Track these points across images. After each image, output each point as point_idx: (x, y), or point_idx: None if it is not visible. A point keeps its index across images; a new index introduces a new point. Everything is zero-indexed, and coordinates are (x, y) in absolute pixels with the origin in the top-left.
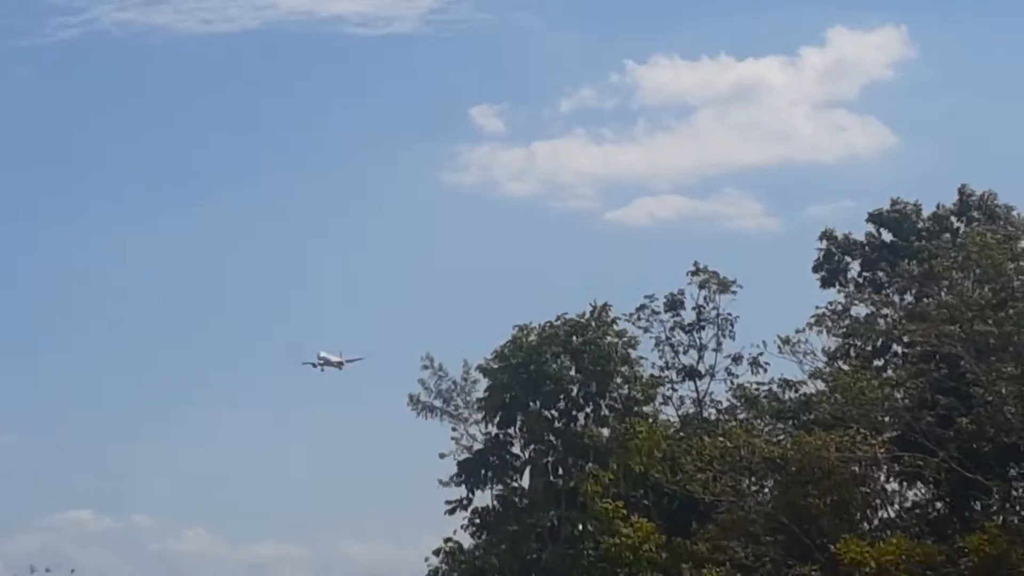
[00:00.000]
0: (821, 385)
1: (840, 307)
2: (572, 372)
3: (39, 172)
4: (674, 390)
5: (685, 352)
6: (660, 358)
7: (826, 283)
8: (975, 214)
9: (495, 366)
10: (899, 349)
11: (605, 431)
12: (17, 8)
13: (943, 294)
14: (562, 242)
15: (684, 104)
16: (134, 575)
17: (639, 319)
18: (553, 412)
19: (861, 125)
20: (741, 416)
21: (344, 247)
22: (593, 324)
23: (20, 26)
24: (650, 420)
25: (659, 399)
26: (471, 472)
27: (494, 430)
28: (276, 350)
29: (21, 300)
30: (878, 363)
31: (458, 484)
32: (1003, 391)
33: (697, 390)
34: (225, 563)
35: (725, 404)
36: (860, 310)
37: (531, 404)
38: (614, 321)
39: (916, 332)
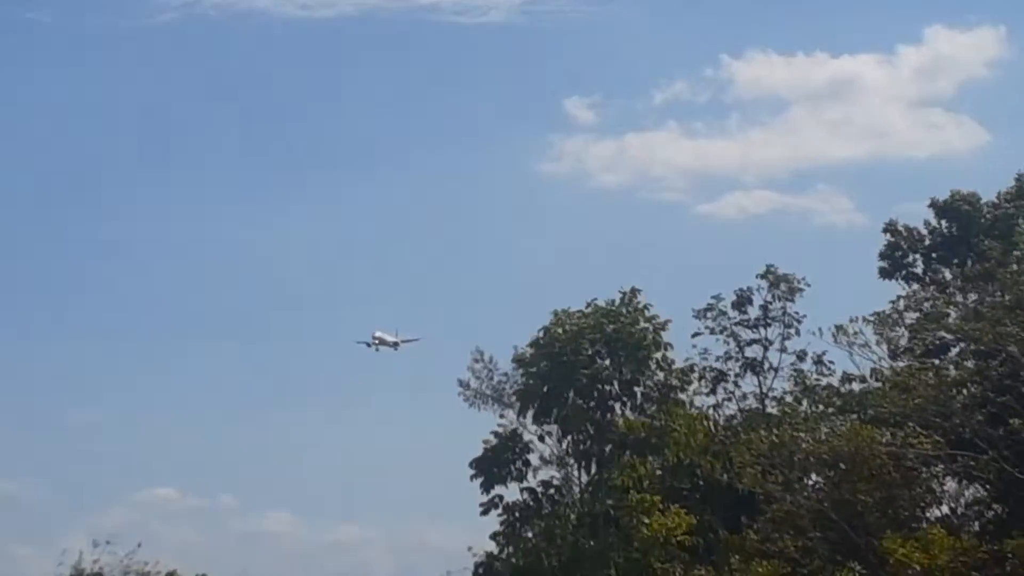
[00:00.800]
0: (877, 383)
1: (903, 305)
2: (607, 361)
3: (139, 155)
4: (737, 385)
5: (749, 346)
6: (724, 351)
7: (885, 274)
8: None
9: (529, 356)
10: (960, 347)
11: (642, 420)
12: None
13: (1001, 294)
14: (652, 234)
15: (778, 99)
16: (218, 554)
17: (706, 317)
18: (590, 403)
19: (956, 124)
20: (802, 410)
21: (436, 232)
22: (625, 311)
23: (121, 6)
24: (688, 406)
25: (721, 393)
26: (486, 470)
27: (528, 423)
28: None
29: (112, 282)
30: (937, 361)
31: (476, 478)
32: None
33: (760, 385)
34: (306, 545)
35: (787, 398)
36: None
37: (567, 395)
38: (645, 307)
39: (973, 331)
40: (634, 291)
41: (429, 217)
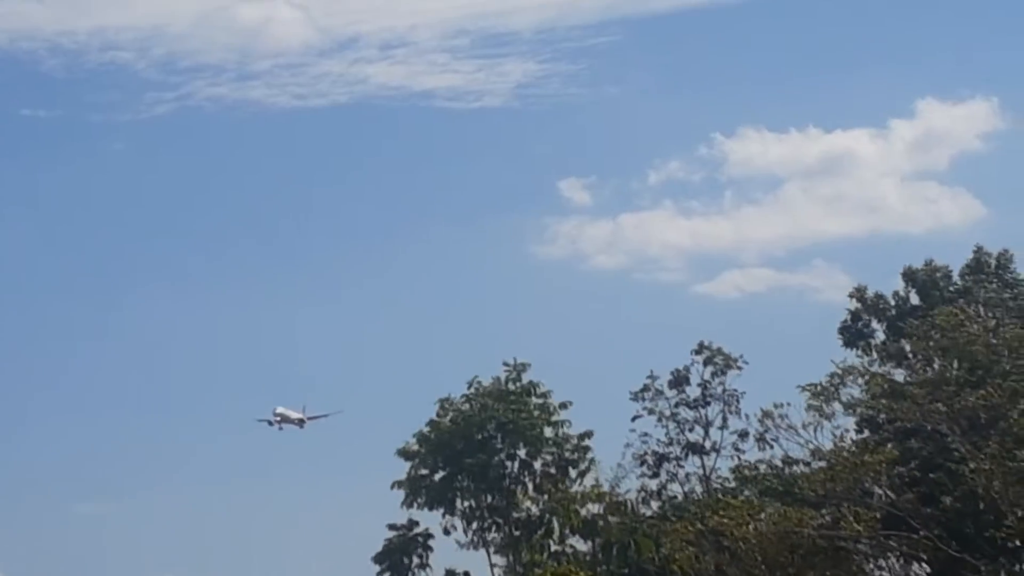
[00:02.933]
0: (821, 462)
1: (838, 379)
2: (499, 443)
3: (129, 245)
4: (680, 466)
5: (691, 429)
6: (665, 434)
7: (848, 343)
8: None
9: (416, 449)
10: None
11: (542, 499)
12: (113, 84)
13: (926, 370)
14: (649, 315)
15: (772, 176)
16: None
17: (642, 399)
18: (485, 487)
19: (951, 197)
20: (745, 494)
21: (433, 317)
22: (513, 389)
23: (115, 101)
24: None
25: (664, 475)
26: (390, 564)
27: (416, 513)
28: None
29: (98, 372)
30: (868, 437)
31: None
32: (988, 468)
33: (703, 466)
34: None
35: (728, 482)
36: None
37: (460, 481)
38: (532, 385)
39: (899, 410)
40: (521, 365)
41: (421, 300)
